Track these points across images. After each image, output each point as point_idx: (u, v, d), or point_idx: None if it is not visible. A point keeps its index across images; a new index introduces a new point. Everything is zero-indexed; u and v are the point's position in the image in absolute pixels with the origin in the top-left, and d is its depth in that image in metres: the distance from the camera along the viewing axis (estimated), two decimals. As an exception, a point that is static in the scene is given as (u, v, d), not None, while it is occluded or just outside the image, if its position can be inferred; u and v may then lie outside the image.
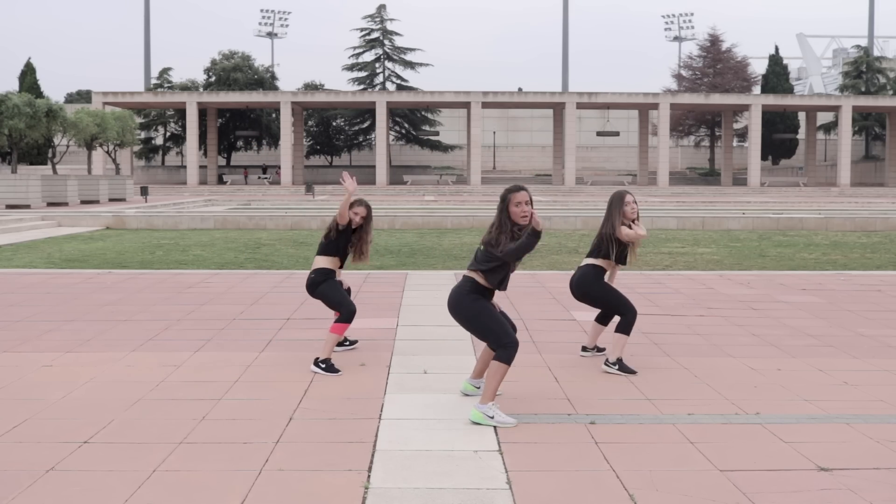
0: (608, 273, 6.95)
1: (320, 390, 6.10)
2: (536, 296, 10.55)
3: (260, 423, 5.30)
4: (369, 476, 4.37)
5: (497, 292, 5.74)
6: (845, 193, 57.52)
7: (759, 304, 10.06)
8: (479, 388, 5.87)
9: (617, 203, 6.84)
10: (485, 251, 5.53)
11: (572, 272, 7.14)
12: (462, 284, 5.60)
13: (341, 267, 7.12)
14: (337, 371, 6.62)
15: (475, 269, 5.55)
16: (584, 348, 7.27)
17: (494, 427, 5.19)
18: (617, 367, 6.67)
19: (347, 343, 7.45)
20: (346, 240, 6.97)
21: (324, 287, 6.96)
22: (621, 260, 6.87)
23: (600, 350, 7.20)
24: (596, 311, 7.24)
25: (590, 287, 6.83)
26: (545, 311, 9.57)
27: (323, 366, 6.62)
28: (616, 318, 6.94)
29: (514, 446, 4.86)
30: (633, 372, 6.64)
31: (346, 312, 6.84)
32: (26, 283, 11.77)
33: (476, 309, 5.53)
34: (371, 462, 4.58)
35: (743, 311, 9.53)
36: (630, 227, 6.83)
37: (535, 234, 5.33)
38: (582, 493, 4.20)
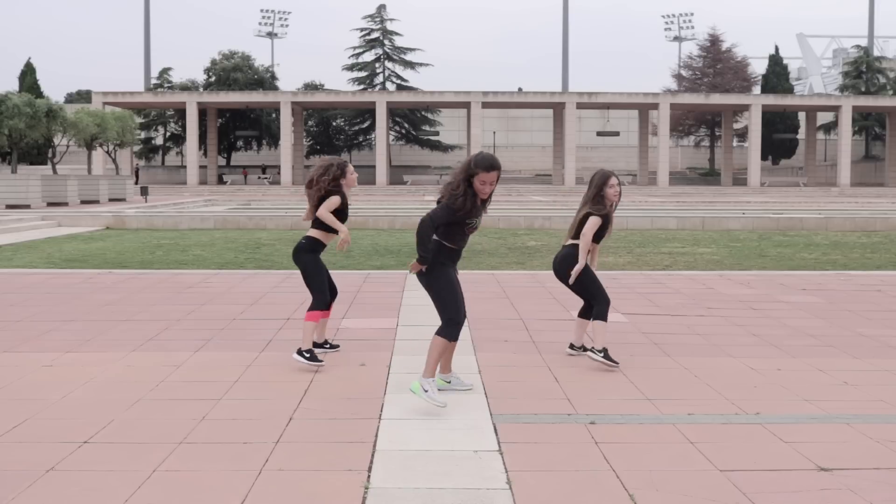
0: (589, 254, 7.02)
1: (320, 390, 6.10)
2: (536, 296, 10.55)
3: (260, 423, 5.30)
4: (369, 476, 4.37)
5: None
6: (845, 193, 57.55)
7: (759, 304, 10.06)
8: (449, 381, 6.00)
9: (599, 183, 6.85)
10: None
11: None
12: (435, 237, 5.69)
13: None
14: (320, 361, 6.64)
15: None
16: (572, 346, 7.29)
17: (494, 427, 5.20)
18: (602, 354, 6.69)
19: (328, 346, 7.29)
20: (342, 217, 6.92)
21: (308, 259, 6.87)
22: (597, 239, 6.95)
23: (587, 350, 7.19)
24: (578, 306, 7.27)
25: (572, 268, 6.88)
26: (545, 311, 9.57)
27: (307, 355, 6.64)
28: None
29: (514, 446, 4.86)
30: (615, 363, 6.67)
31: (321, 300, 6.80)
32: (26, 283, 11.77)
33: (436, 274, 5.65)
34: (371, 462, 4.58)
35: (743, 311, 9.52)
36: (608, 218, 6.86)
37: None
38: (582, 493, 4.20)
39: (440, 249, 5.65)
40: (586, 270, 6.88)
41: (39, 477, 4.35)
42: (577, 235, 6.93)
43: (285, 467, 4.51)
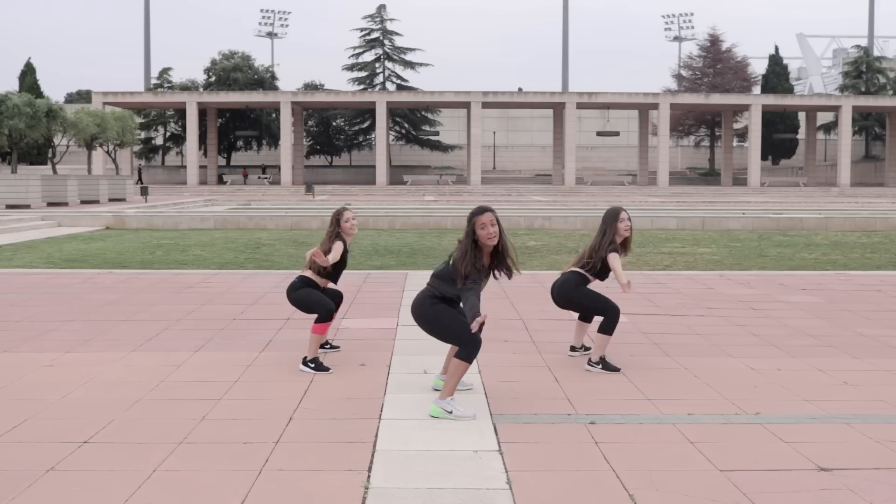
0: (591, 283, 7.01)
1: (320, 390, 6.10)
2: (536, 296, 10.55)
3: (260, 423, 5.30)
4: (369, 476, 4.37)
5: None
6: (845, 193, 57.55)
7: (759, 304, 10.07)
8: None
9: (611, 219, 6.91)
10: (447, 272, 5.58)
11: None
12: (424, 291, 5.71)
13: (335, 282, 7.10)
14: (327, 369, 6.62)
15: (436, 284, 5.64)
16: (573, 348, 7.29)
17: (494, 427, 5.20)
18: (600, 366, 6.71)
19: (328, 347, 7.35)
20: (342, 265, 6.96)
21: (300, 294, 6.87)
22: (602, 276, 6.93)
23: (587, 349, 7.21)
24: None
25: (572, 294, 6.91)
26: (545, 311, 9.56)
27: (312, 365, 6.63)
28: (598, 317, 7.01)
29: (514, 446, 4.86)
30: (616, 369, 6.67)
31: (323, 312, 6.79)
32: (26, 283, 11.77)
33: (435, 312, 5.61)
34: (371, 462, 4.58)
35: (743, 311, 9.53)
36: (619, 250, 6.88)
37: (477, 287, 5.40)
38: (582, 493, 4.20)
39: (437, 297, 5.65)
40: (586, 291, 6.90)
41: (39, 477, 4.36)
42: (578, 264, 6.96)
43: (285, 467, 4.51)
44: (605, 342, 6.77)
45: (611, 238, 6.86)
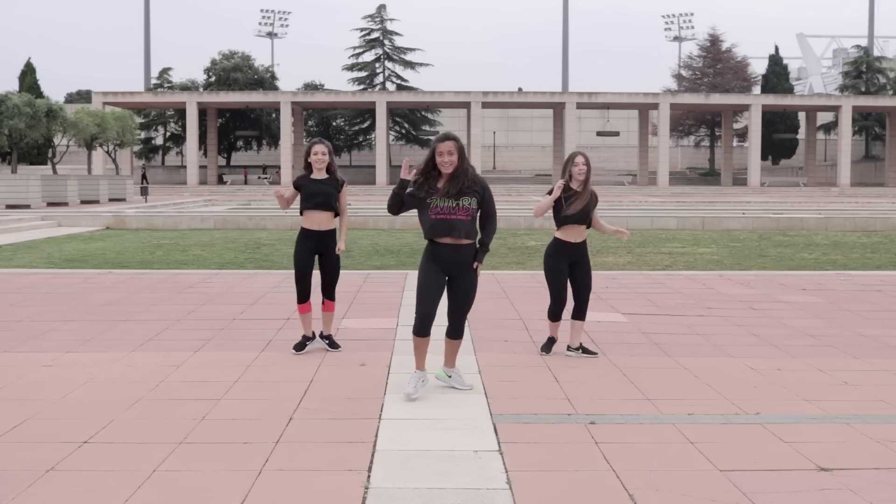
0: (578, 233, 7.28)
1: (320, 390, 6.10)
2: (536, 296, 10.54)
3: (260, 423, 5.30)
4: (369, 476, 4.37)
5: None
6: (845, 193, 57.54)
7: (759, 304, 10.07)
8: (450, 376, 6.17)
9: (567, 163, 7.30)
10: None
11: None
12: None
13: (337, 215, 7.47)
14: (312, 338, 7.28)
15: None
16: (569, 347, 7.35)
17: (494, 427, 5.20)
18: (544, 352, 7.33)
19: (327, 343, 7.47)
20: (308, 195, 7.45)
21: (295, 250, 7.46)
22: (581, 220, 7.17)
23: (586, 350, 7.27)
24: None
25: (545, 258, 7.38)
26: (545, 311, 9.55)
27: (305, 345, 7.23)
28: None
29: (514, 446, 4.86)
30: (546, 349, 7.32)
31: (298, 293, 7.33)
32: (26, 283, 11.77)
33: (422, 268, 5.95)
34: (371, 462, 4.58)
35: (743, 311, 9.53)
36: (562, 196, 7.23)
37: (400, 184, 5.84)
38: (582, 493, 4.20)
39: (428, 244, 5.94)
40: (551, 265, 7.26)
41: (39, 477, 4.36)
42: (558, 222, 7.35)
43: (285, 467, 4.51)
44: (553, 328, 7.37)
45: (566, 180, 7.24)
